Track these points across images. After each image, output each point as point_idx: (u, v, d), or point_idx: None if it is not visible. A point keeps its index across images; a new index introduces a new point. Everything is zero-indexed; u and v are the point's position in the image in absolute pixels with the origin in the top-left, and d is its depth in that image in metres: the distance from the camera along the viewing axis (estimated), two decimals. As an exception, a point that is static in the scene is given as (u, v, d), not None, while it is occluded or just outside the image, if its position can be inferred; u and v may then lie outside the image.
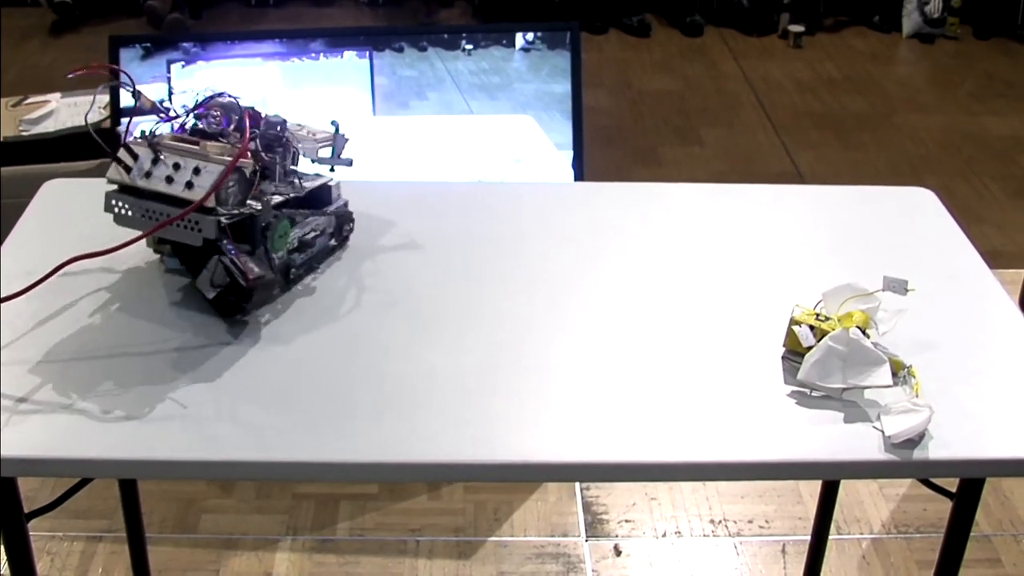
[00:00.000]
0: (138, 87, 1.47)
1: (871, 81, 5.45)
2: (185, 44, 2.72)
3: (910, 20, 6.00)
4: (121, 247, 1.45)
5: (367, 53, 2.72)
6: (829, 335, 1.43)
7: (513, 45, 2.70)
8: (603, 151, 4.51)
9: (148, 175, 1.44)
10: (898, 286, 1.53)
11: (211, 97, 1.53)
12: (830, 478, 2.10)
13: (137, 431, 1.30)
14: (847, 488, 2.69)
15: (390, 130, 2.76)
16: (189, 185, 1.42)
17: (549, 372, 1.44)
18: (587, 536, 2.58)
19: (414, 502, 2.66)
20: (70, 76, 1.48)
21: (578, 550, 2.54)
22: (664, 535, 2.59)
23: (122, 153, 1.46)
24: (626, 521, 2.62)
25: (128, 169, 1.46)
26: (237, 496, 2.68)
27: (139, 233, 1.44)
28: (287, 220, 1.52)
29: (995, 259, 3.70)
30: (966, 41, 5.99)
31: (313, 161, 1.59)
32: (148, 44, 2.73)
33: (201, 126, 1.52)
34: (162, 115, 1.52)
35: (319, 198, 1.61)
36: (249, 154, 1.46)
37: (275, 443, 1.30)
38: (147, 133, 1.48)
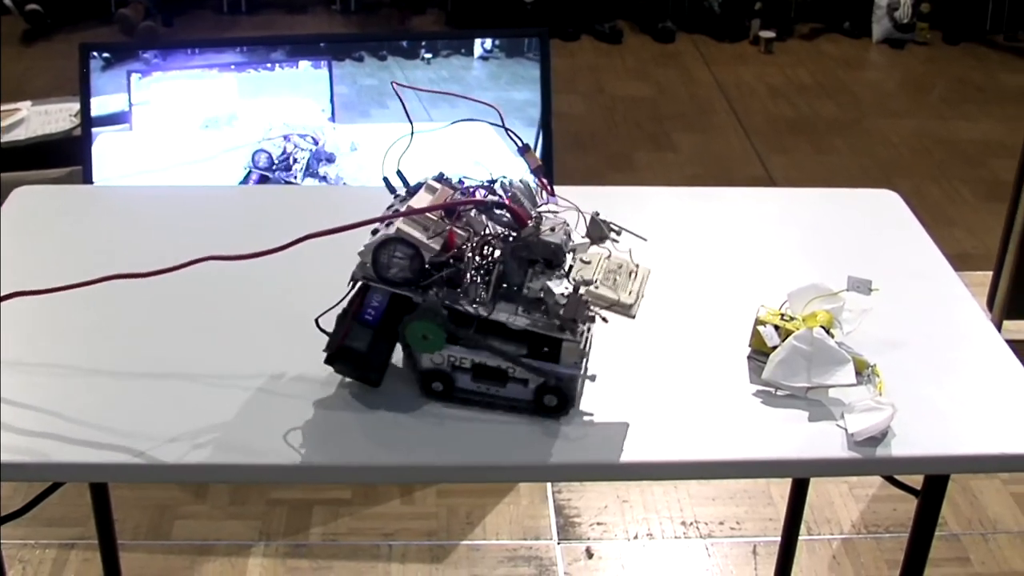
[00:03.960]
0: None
1: (842, 86, 5.48)
2: (146, 54, 2.72)
3: (880, 26, 6.03)
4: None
5: (326, 63, 2.73)
6: (793, 335, 1.45)
7: (472, 53, 2.72)
8: (577, 157, 4.53)
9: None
10: (862, 286, 1.54)
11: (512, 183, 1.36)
12: (795, 476, 2.12)
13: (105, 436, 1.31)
14: (818, 489, 2.71)
15: (351, 139, 2.78)
16: (374, 232, 1.33)
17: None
18: (559, 539, 2.59)
19: (387, 507, 2.66)
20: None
21: (550, 553, 2.55)
22: (636, 537, 2.60)
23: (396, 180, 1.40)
24: (598, 524, 2.63)
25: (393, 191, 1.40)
26: (211, 502, 2.68)
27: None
28: (439, 328, 1.31)
29: (965, 261, 3.73)
30: (936, 46, 6.04)
31: (548, 308, 1.32)
32: (110, 53, 2.73)
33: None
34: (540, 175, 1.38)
35: (542, 347, 1.34)
36: (447, 244, 1.31)
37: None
38: (447, 178, 1.38)
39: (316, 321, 1.38)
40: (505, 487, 2.70)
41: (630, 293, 1.36)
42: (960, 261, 3.75)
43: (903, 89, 5.54)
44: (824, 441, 1.37)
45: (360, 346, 1.34)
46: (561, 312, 1.30)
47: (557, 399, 1.35)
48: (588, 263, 1.38)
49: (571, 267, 1.35)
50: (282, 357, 1.45)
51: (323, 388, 1.40)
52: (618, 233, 1.37)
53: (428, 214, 1.32)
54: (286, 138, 2.75)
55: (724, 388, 1.44)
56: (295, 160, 2.75)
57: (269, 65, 2.73)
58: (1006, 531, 2.66)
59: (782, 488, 2.65)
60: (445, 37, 2.77)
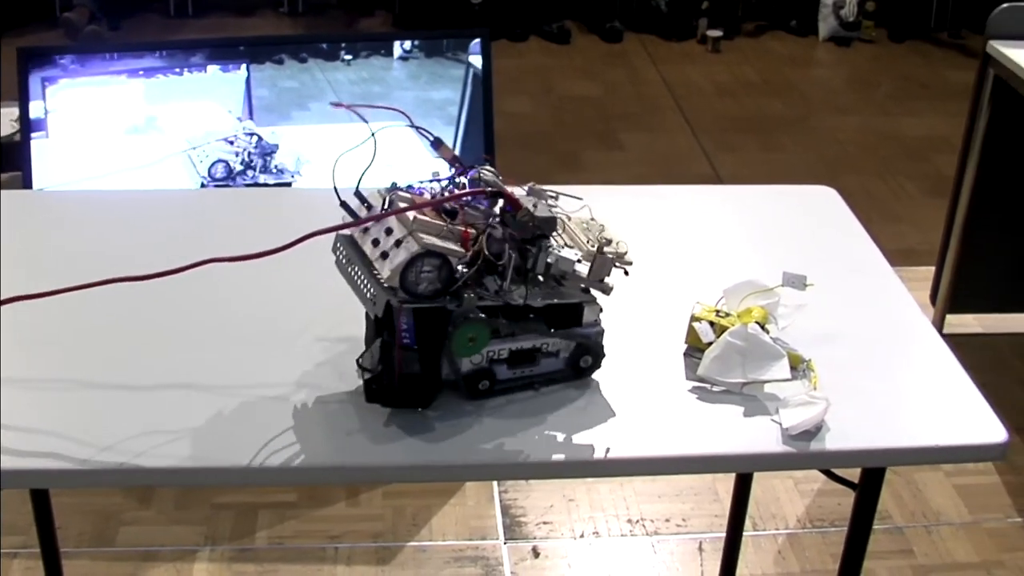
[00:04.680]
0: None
1: (789, 84, 5.52)
2: (63, 60, 2.69)
3: (826, 24, 6.08)
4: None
5: (236, 67, 2.71)
6: (728, 331, 1.45)
7: (391, 54, 2.71)
8: (525, 156, 4.53)
9: (366, 230, 1.33)
10: (797, 282, 1.55)
11: (472, 168, 1.36)
12: (730, 471, 2.13)
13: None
14: (763, 485, 2.72)
15: (272, 142, 2.77)
16: (384, 255, 1.29)
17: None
18: (505, 539, 2.59)
19: (333, 509, 2.65)
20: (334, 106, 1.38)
21: (497, 553, 2.55)
22: (582, 536, 2.60)
23: (355, 201, 1.35)
24: (544, 523, 2.63)
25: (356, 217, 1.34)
26: (156, 508, 2.65)
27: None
28: (484, 327, 1.33)
29: (910, 256, 3.77)
30: (881, 44, 6.08)
31: (562, 277, 1.37)
32: (48, 57, 2.70)
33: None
34: (456, 166, 1.37)
35: (564, 315, 1.39)
36: (470, 244, 1.30)
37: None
38: (400, 187, 1.34)
39: (357, 362, 1.36)
40: (451, 487, 2.70)
41: (619, 243, 1.41)
42: (905, 256, 3.82)
43: (849, 86, 5.58)
44: (759, 436, 1.37)
45: (417, 369, 1.33)
46: (588, 275, 1.36)
47: (591, 358, 1.42)
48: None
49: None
50: (245, 361, 1.45)
51: (280, 390, 1.40)
52: (555, 198, 1.40)
53: (430, 220, 1.30)
54: (229, 140, 2.73)
55: (660, 385, 1.45)
56: (251, 160, 2.73)
57: (178, 70, 2.70)
58: (948, 523, 2.68)
59: (728, 484, 2.65)
60: (372, 39, 2.76)
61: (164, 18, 6.12)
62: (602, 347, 1.43)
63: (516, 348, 1.38)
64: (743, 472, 2.15)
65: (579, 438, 1.35)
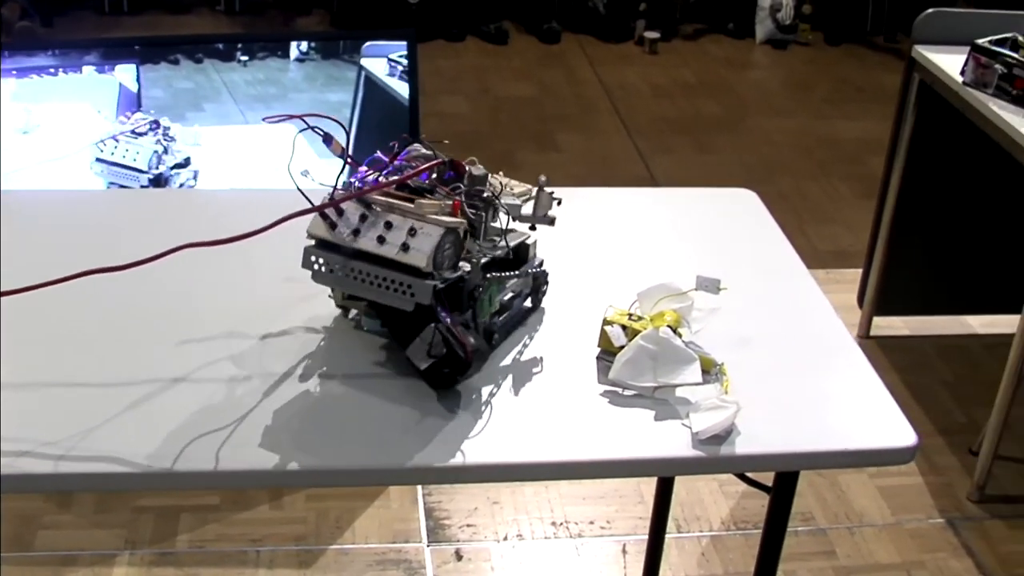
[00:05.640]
0: None
1: (726, 86, 5.54)
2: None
3: (763, 27, 6.11)
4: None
5: (116, 67, 2.65)
6: (640, 334, 1.45)
7: (288, 56, 2.69)
8: (460, 156, 4.49)
9: (356, 232, 1.35)
10: (710, 285, 1.55)
11: (409, 147, 1.45)
12: (640, 476, 2.13)
13: None
14: (688, 487, 2.72)
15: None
16: (405, 247, 1.33)
17: (375, 379, 1.44)
18: (429, 541, 2.57)
19: (255, 512, 2.62)
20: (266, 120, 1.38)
21: (420, 556, 2.53)
22: (505, 538, 2.59)
23: (328, 208, 1.36)
24: (468, 525, 2.62)
25: (334, 225, 1.36)
26: (75, 511, 2.62)
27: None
28: (495, 283, 1.45)
29: (842, 258, 3.80)
30: (818, 47, 6.12)
31: (514, 219, 1.48)
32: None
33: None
34: (350, 164, 1.42)
35: (517, 257, 1.53)
36: (459, 214, 1.38)
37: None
38: (354, 186, 1.38)
39: (407, 356, 1.37)
40: (375, 490, 2.68)
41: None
42: (837, 258, 3.85)
43: (785, 89, 5.62)
44: (669, 440, 1.37)
45: (480, 344, 1.41)
46: (534, 212, 1.50)
47: (545, 287, 1.59)
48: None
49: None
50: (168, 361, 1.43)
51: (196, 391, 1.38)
52: (474, 163, 1.48)
53: (428, 202, 1.37)
54: (138, 134, 2.67)
55: (572, 389, 1.44)
56: (165, 151, 2.69)
57: (52, 71, 2.64)
58: (871, 524, 2.70)
59: (653, 486, 2.66)
60: (262, 39, 2.73)
61: (98, 15, 6.04)
62: (547, 274, 1.58)
63: (504, 298, 1.50)
64: (653, 476, 2.15)
65: (486, 443, 1.34)
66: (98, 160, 2.65)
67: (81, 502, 2.64)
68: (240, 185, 2.50)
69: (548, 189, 1.50)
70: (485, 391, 1.42)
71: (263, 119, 1.44)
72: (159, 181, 2.66)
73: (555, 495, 2.71)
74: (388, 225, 1.34)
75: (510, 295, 1.52)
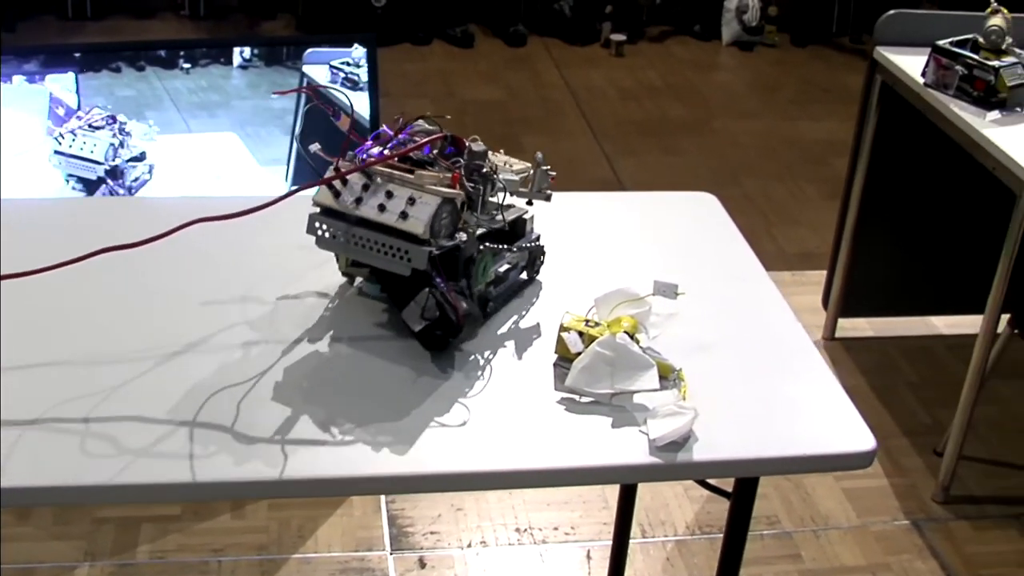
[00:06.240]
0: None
1: (692, 88, 5.54)
2: None
3: (729, 29, 6.11)
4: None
5: (47, 78, 2.62)
6: (596, 341, 1.43)
7: (231, 63, 2.66)
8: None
9: (359, 201, 1.43)
10: (668, 290, 1.54)
11: (412, 122, 1.52)
12: (597, 483, 2.12)
13: None
14: (652, 492, 2.71)
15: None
16: (404, 215, 1.40)
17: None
18: (392, 549, 2.55)
19: (216, 522, 2.60)
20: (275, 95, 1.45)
21: (383, 564, 2.51)
22: (469, 545, 2.58)
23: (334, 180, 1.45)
24: (431, 533, 2.60)
25: (337, 194, 1.44)
26: (34, 523, 2.58)
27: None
28: (489, 254, 1.53)
29: (807, 260, 3.80)
30: (784, 49, 6.13)
31: (512, 194, 1.55)
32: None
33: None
34: (356, 139, 1.50)
35: (514, 231, 1.61)
36: (451, 184, 1.44)
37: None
38: (358, 158, 1.47)
39: (403, 319, 1.45)
40: (337, 499, 2.66)
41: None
42: (803, 259, 3.85)
43: (752, 90, 5.62)
44: (627, 447, 1.36)
45: (467, 305, 1.46)
46: (531, 189, 1.58)
47: (541, 258, 1.67)
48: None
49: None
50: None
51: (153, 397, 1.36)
52: (475, 140, 1.53)
53: (427, 173, 1.43)
54: (94, 127, 2.64)
55: (529, 396, 1.43)
56: (122, 145, 2.66)
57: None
58: (837, 527, 2.70)
59: (617, 492, 2.65)
60: (205, 45, 2.71)
61: (61, 20, 5.99)
62: (543, 248, 1.65)
63: (501, 270, 1.57)
64: (610, 484, 2.14)
65: (442, 451, 1.32)
66: (56, 152, 2.65)
67: (40, 514, 2.60)
68: (187, 192, 2.48)
69: (544, 167, 1.59)
70: (439, 399, 1.41)
71: (272, 93, 1.55)
72: (115, 173, 2.65)
73: (519, 501, 2.69)
74: (389, 194, 1.42)
75: (506, 267, 1.60)
